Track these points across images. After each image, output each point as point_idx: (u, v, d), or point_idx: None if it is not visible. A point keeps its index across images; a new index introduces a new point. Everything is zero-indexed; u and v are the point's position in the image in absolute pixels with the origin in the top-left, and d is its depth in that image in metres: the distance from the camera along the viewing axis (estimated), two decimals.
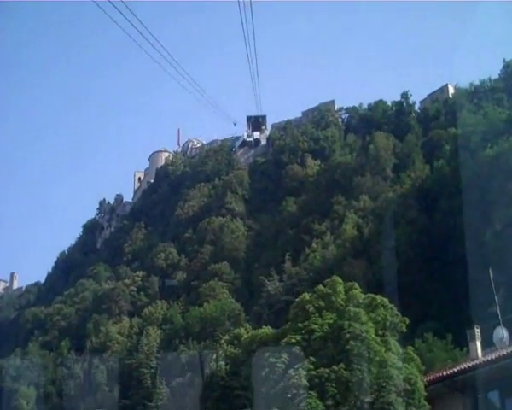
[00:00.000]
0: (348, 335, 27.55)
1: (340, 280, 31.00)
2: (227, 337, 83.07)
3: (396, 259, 72.00)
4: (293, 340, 29.29)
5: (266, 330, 41.54)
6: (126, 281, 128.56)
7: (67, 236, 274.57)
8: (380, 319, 29.33)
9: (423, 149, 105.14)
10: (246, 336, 48.12)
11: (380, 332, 28.82)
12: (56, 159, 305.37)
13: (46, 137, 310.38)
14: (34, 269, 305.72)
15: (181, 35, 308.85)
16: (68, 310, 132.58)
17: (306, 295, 31.61)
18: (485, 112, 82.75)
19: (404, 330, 30.44)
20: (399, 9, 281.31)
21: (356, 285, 30.87)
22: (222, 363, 63.05)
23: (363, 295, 30.32)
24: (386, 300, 30.42)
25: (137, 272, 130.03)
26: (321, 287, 31.53)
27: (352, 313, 28.23)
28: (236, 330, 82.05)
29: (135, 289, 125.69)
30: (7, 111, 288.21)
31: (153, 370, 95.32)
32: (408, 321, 30.74)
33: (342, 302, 29.69)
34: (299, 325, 29.90)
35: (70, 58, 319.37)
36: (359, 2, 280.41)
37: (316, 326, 29.04)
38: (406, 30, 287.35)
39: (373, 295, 30.44)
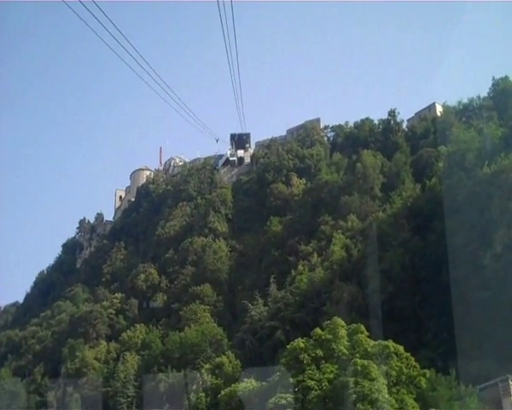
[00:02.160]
0: (354, 395, 22.42)
1: (342, 323, 25.97)
2: (208, 366, 79.32)
3: (387, 282, 69.07)
4: (283, 401, 23.97)
5: (249, 383, 36.01)
6: (104, 303, 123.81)
7: (47, 255, 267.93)
8: (394, 372, 24.20)
9: (412, 167, 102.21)
10: (224, 391, 42.32)
11: (394, 389, 23.77)
12: (36, 176, 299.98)
13: (24, 154, 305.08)
14: (14, 289, 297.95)
15: (164, 51, 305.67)
16: (44, 333, 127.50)
17: (300, 342, 26.38)
18: (480, 128, 79.78)
19: (424, 385, 25.48)
20: (386, 27, 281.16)
21: (362, 328, 25.86)
22: (202, 395, 60.03)
23: (371, 342, 25.31)
24: (400, 347, 25.42)
25: (116, 294, 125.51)
26: (318, 330, 26.47)
27: (359, 367, 23.15)
28: (218, 359, 78.57)
29: (113, 311, 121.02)
30: None
31: (129, 399, 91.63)
32: (428, 374, 26.08)
33: (345, 351, 24.71)
34: (292, 380, 24.51)
35: (49, 75, 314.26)
36: (345, 20, 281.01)
37: (312, 382, 23.67)
38: (392, 48, 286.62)
39: (384, 342, 25.50)
